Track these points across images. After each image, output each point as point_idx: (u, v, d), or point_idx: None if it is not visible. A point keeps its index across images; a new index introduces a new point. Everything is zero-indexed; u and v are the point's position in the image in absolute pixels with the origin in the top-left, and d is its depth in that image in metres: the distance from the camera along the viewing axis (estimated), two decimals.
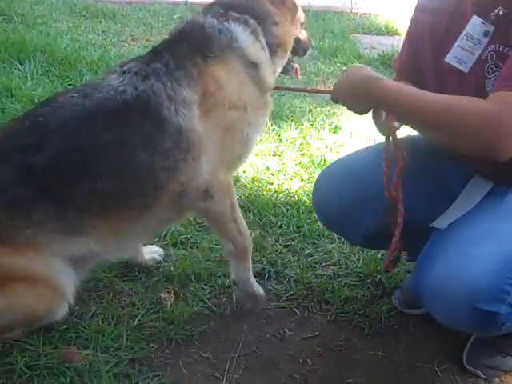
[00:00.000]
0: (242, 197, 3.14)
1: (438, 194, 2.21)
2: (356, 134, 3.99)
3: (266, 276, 2.67)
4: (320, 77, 5.10)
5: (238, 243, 2.32)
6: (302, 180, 3.41)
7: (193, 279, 2.57)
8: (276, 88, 2.53)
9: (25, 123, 1.88)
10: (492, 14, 1.95)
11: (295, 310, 2.51)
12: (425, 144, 2.14)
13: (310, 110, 4.29)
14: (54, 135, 1.83)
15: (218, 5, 2.37)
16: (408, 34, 2.33)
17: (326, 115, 4.27)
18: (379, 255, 2.78)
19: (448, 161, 2.20)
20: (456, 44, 2.02)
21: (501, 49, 1.93)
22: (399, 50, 2.46)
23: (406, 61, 2.33)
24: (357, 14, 7.37)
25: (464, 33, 2.00)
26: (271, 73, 2.37)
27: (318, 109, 4.35)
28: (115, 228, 1.98)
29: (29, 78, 4.33)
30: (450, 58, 2.05)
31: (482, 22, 1.97)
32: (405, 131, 2.20)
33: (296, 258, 2.81)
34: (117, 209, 1.93)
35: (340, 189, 2.30)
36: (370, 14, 7.38)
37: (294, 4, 2.48)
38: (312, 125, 4.07)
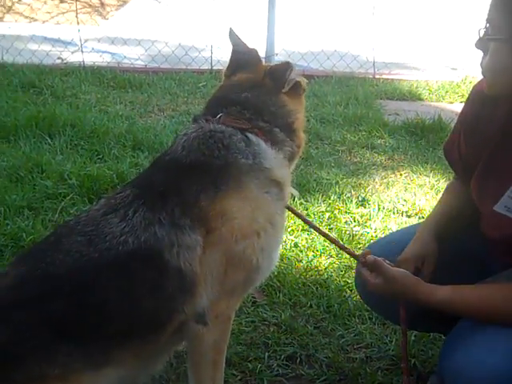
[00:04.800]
0: (271, 275, 3.11)
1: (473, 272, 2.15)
2: (384, 206, 3.96)
3: (298, 360, 2.63)
4: (345, 146, 5.10)
5: None
6: (330, 256, 3.37)
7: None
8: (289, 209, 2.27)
9: (37, 271, 1.87)
10: None
11: None
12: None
13: (337, 182, 4.27)
14: (66, 286, 1.84)
15: (236, 103, 2.10)
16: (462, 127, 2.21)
17: (352, 187, 4.25)
18: (413, 337, 2.74)
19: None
20: (506, 194, 1.95)
21: None
22: (451, 135, 2.32)
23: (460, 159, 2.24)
24: (380, 79, 7.43)
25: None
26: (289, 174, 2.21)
27: (345, 180, 4.33)
28: (138, 354, 1.94)
29: (58, 153, 4.39)
30: (499, 207, 1.99)
31: None
32: None
33: (327, 340, 2.77)
34: (134, 343, 1.91)
35: None
36: (392, 79, 7.43)
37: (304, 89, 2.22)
38: (339, 197, 4.05)
